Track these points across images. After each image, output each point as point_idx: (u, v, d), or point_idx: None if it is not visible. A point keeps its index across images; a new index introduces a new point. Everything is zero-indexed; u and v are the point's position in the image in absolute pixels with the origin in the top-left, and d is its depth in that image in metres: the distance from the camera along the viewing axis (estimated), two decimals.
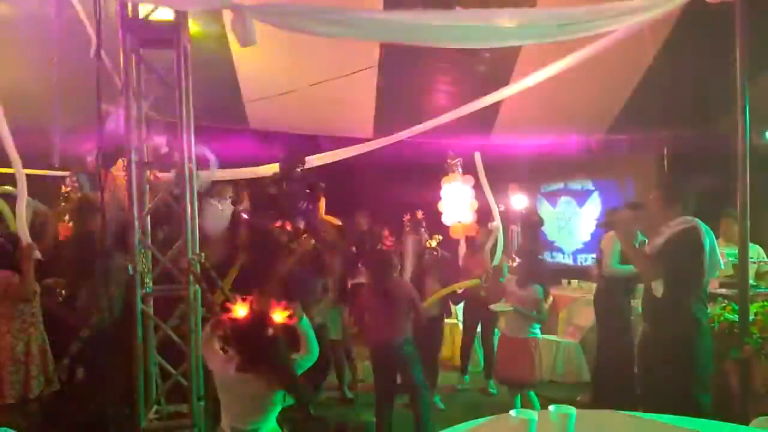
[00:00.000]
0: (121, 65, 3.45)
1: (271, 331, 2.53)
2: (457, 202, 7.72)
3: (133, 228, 3.45)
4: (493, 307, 4.68)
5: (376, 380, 4.57)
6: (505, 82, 6.19)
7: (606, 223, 4.96)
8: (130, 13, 3.44)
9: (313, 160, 6.45)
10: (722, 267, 3.69)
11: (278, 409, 2.63)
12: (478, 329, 6.04)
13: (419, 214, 6.23)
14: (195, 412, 3.48)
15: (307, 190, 5.56)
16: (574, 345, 6.13)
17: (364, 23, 3.51)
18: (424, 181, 7.86)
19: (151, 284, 3.69)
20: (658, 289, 3.60)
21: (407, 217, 6.07)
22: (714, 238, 3.60)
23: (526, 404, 4.47)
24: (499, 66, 6.55)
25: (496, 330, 6.07)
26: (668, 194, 3.68)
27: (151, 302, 3.66)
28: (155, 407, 3.65)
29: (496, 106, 7.36)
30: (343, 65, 6.38)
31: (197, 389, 3.51)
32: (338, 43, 5.80)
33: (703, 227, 3.54)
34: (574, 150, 7.32)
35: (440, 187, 8.00)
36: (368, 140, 7.12)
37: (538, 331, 4.68)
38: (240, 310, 2.57)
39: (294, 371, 2.58)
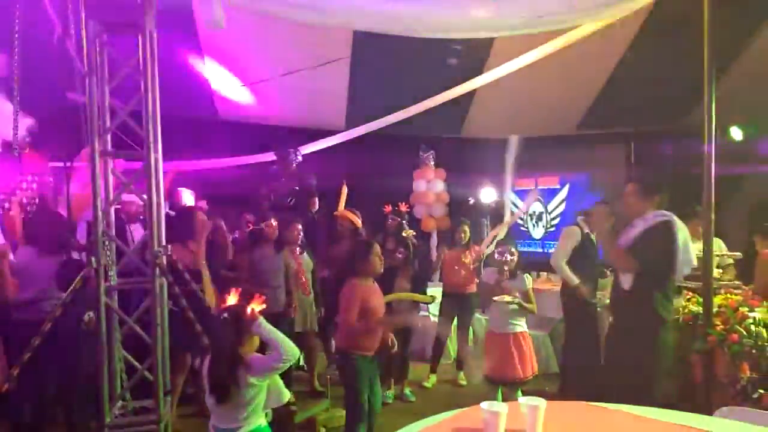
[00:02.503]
0: (84, 50, 3.32)
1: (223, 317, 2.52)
2: (428, 195, 7.72)
3: (96, 220, 3.34)
4: (497, 299, 4.50)
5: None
6: (477, 74, 6.21)
7: (583, 220, 4.99)
8: None
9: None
10: (695, 264, 3.73)
11: (259, 410, 2.56)
12: (454, 323, 6.04)
13: (404, 206, 6.18)
14: (161, 407, 3.39)
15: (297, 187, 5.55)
16: (542, 336, 6.20)
17: (335, 10, 3.47)
18: (395, 174, 7.84)
19: (115, 277, 3.58)
20: (626, 281, 3.65)
21: (388, 209, 6.00)
22: (688, 234, 3.64)
23: (509, 399, 4.39)
24: (472, 57, 6.56)
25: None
26: (644, 188, 3.71)
27: (116, 296, 3.56)
28: (120, 403, 3.55)
29: (468, 100, 7.40)
30: (315, 56, 6.31)
31: (163, 384, 3.43)
32: (311, 33, 5.74)
33: (678, 223, 3.58)
34: (544, 145, 7.39)
35: (412, 180, 8.00)
36: (340, 132, 7.14)
37: (524, 324, 4.60)
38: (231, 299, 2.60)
39: (234, 362, 2.49)
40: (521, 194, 7.84)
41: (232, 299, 2.61)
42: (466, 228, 5.96)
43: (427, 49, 6.27)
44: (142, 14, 3.31)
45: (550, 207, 7.70)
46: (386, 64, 6.62)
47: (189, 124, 6.63)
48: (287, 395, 2.70)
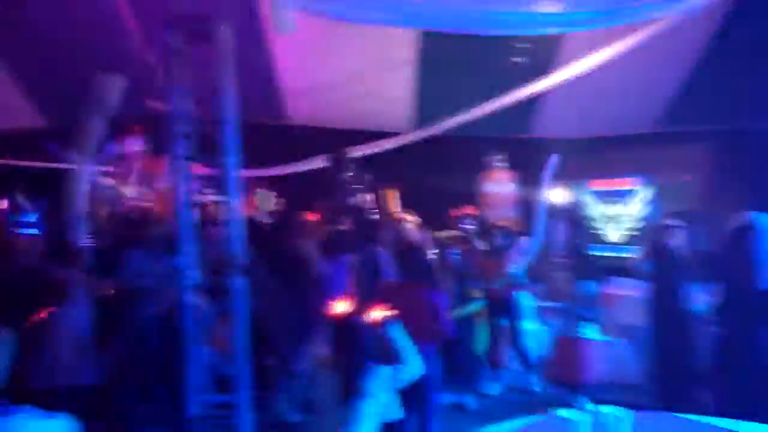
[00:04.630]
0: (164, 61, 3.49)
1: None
2: (498, 198, 7.60)
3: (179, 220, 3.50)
4: (546, 304, 4.43)
5: None
6: (546, 73, 6.06)
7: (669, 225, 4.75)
8: (171, 9, 3.47)
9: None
10: None
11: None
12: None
13: (470, 210, 6.09)
14: (241, 403, 3.50)
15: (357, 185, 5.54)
16: (625, 345, 5.91)
17: (402, 10, 3.48)
18: (463, 177, 7.74)
19: (197, 275, 3.72)
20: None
21: (457, 212, 5.93)
22: None
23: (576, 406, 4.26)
24: (540, 55, 6.41)
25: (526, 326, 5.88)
26: (734, 189, 3.51)
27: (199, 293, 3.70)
28: (202, 397, 3.69)
29: (537, 99, 7.23)
30: (380, 57, 6.34)
31: (244, 380, 3.53)
32: (377, 35, 5.79)
33: None
34: (620, 144, 7.11)
35: (481, 184, 7.89)
36: (404, 135, 7.11)
37: (595, 330, 4.46)
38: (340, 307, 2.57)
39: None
40: (608, 195, 7.57)
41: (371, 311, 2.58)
42: None
43: (494, 48, 6.21)
44: (219, 25, 3.45)
45: (628, 209, 7.39)
46: (452, 64, 6.57)
47: (256, 128, 6.79)
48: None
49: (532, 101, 7.13)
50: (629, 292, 6.47)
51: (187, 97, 3.61)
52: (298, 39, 6.19)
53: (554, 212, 7.84)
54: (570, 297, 4.37)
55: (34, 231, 4.32)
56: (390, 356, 2.48)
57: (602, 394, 4.39)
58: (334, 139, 7.26)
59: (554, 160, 6.92)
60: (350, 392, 2.39)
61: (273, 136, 7.26)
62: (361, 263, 5.31)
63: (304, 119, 7.58)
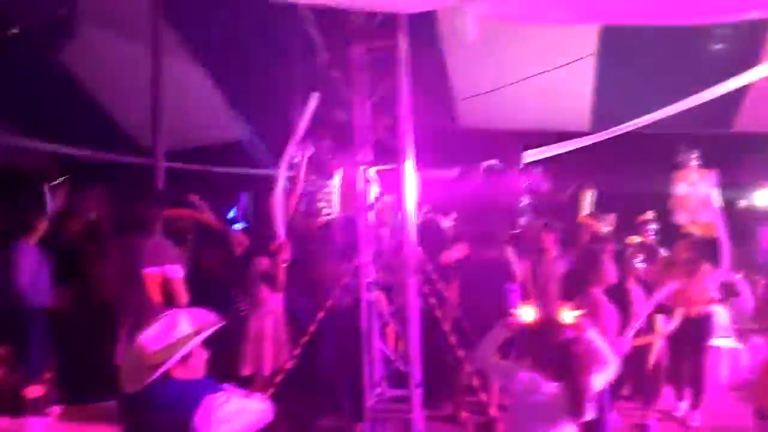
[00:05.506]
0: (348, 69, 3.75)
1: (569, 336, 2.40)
2: (692, 200, 6.93)
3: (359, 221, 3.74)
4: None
5: None
6: (750, 64, 5.36)
7: None
8: (354, 19, 3.71)
9: (526, 157, 6.34)
10: None
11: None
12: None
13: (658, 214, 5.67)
14: (414, 399, 3.63)
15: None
16: None
17: (582, 7, 3.32)
18: (651, 178, 7.17)
19: (373, 273, 3.94)
20: None
21: (644, 217, 5.55)
22: None
23: None
24: (742, 44, 5.69)
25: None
26: None
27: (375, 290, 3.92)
28: (377, 390, 3.90)
29: (741, 91, 6.43)
30: (559, 55, 6.12)
31: (416, 376, 3.66)
32: (556, 33, 5.60)
33: None
34: None
35: (671, 184, 7.25)
36: (585, 134, 6.81)
37: None
38: (528, 314, 2.51)
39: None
40: None
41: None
42: None
43: (686, 38, 5.65)
44: (399, 36, 3.61)
45: None
46: (637, 58, 6.12)
47: (428, 133, 6.94)
48: None
49: (734, 94, 6.38)
50: None
51: (367, 105, 3.85)
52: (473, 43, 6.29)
53: (758, 216, 6.97)
54: None
55: (241, 226, 5.01)
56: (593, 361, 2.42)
57: None
58: (509, 141, 7.20)
59: None
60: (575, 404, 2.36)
61: (446, 140, 7.36)
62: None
63: (478, 123, 7.59)
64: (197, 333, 1.99)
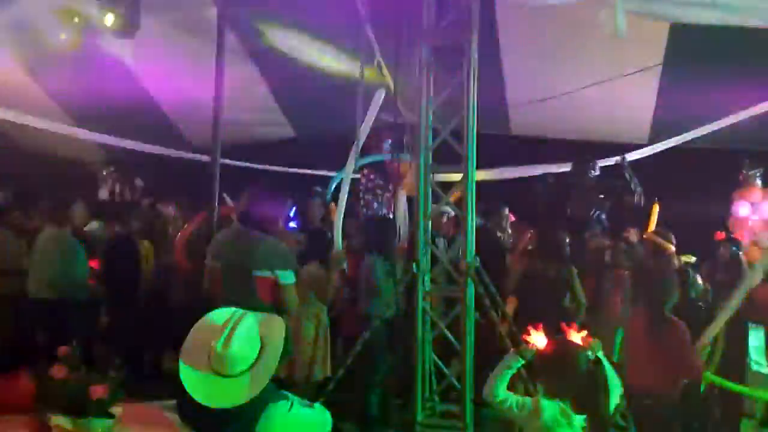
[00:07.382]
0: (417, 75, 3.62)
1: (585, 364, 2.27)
2: (755, 219, 6.58)
3: (419, 228, 3.60)
4: None
5: None
6: None
7: None
8: (425, 23, 3.59)
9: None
10: None
11: None
12: None
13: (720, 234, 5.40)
14: (467, 415, 3.48)
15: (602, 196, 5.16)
16: None
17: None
18: (712, 196, 6.85)
19: (429, 283, 3.81)
20: None
21: (721, 235, 5.29)
22: None
23: None
24: None
25: None
26: None
27: (430, 300, 3.79)
28: (428, 404, 3.76)
29: None
30: (623, 63, 5.89)
31: (470, 391, 3.51)
32: (621, 40, 5.36)
33: None
34: None
35: (732, 203, 6.92)
36: (643, 146, 6.57)
37: None
38: (539, 340, 2.38)
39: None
40: None
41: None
42: None
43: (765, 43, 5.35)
44: (469, 38, 3.47)
45: None
46: (706, 67, 5.83)
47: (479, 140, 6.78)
48: None
49: None
50: None
51: (431, 109, 3.71)
52: (530, 46, 6.10)
53: None
54: None
55: (294, 225, 4.97)
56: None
57: None
58: (564, 151, 6.98)
59: None
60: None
61: (501, 146, 7.17)
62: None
63: (532, 130, 7.39)
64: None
